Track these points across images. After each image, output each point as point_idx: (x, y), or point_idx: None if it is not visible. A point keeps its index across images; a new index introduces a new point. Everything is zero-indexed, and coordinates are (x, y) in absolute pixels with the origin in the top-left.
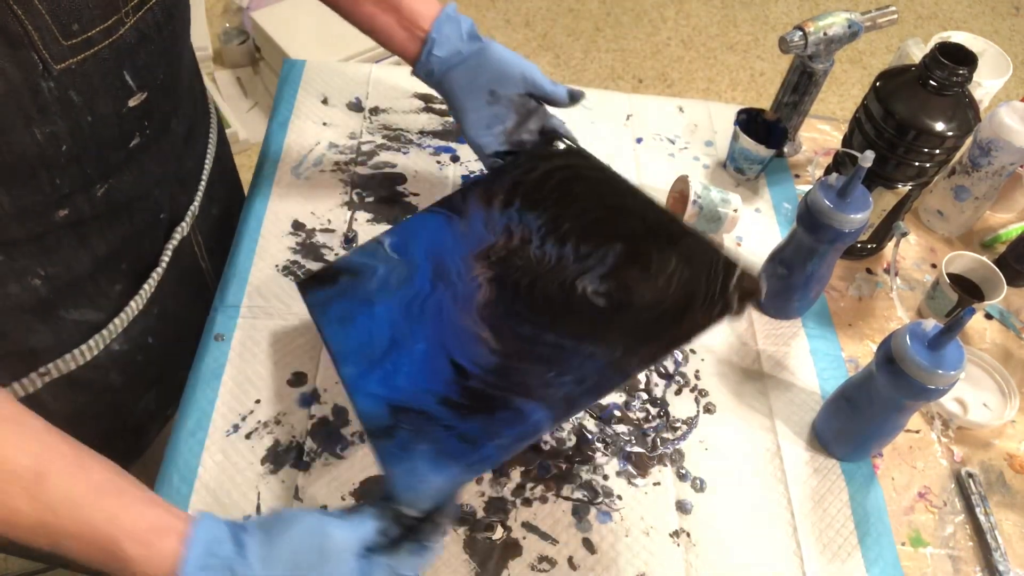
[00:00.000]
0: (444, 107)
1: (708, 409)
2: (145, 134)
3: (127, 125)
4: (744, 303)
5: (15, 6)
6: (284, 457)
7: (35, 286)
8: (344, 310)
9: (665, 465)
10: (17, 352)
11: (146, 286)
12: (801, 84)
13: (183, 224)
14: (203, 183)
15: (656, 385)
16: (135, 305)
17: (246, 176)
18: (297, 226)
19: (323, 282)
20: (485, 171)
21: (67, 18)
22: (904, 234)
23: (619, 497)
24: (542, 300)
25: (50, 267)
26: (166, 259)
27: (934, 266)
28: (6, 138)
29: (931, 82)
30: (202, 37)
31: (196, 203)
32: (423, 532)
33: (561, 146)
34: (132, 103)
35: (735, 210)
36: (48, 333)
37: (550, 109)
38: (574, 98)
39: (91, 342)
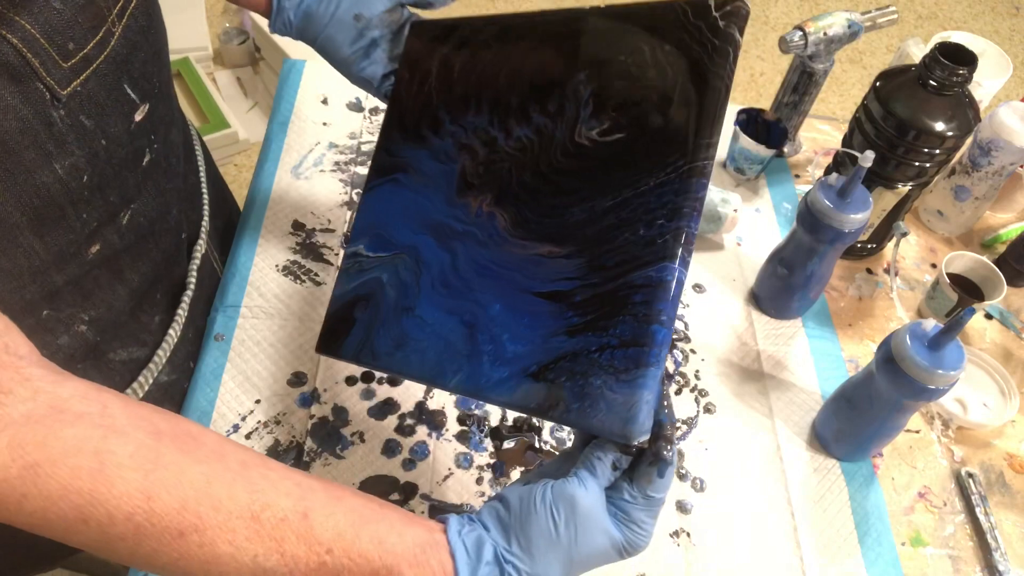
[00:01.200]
0: None
1: (708, 409)
2: (154, 148)
3: (137, 142)
4: (743, 28)
5: (10, 36)
6: (284, 457)
7: (82, 332)
8: (390, 337)
9: None
10: None
11: (180, 310)
12: (801, 84)
13: (200, 241)
14: (205, 196)
15: None
16: (174, 333)
17: (246, 176)
18: (297, 226)
19: (342, 330)
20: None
21: (61, 38)
22: (904, 234)
23: None
24: (562, 177)
25: (92, 310)
26: (193, 280)
27: (934, 266)
28: (31, 179)
29: (931, 82)
30: (202, 37)
31: (206, 218)
32: (655, 448)
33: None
34: (138, 117)
35: (735, 210)
36: (100, 379)
37: (425, 13)
38: None
39: (141, 378)
